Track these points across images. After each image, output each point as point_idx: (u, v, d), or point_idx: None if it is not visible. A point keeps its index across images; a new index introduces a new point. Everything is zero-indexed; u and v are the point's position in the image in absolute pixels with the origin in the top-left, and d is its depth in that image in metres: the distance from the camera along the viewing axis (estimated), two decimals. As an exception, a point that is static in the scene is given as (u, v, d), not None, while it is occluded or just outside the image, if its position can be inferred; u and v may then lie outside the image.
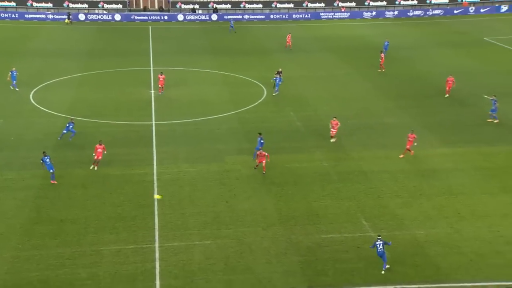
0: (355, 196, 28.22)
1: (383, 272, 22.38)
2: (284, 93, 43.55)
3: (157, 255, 23.35)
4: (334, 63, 53.24)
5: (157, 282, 21.79)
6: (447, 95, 42.52)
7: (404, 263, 23.03)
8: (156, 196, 27.10)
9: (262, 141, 31.67)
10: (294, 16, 77.07)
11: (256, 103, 41.70)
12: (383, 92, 44.34)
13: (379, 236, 23.04)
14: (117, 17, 73.34)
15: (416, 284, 21.84)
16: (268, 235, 24.93)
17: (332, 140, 34.27)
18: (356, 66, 52.07)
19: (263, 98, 42.90)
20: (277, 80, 43.13)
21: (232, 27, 67.35)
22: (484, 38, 62.88)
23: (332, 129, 34.51)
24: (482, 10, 78.86)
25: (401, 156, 32.21)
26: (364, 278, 22.27)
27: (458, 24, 72.13)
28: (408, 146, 32.16)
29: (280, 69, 45.08)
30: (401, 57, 54.80)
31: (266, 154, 30.27)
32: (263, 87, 45.23)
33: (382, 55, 50.30)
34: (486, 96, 39.40)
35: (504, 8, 78.57)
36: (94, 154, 30.61)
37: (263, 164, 30.18)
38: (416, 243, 24.29)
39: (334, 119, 34.58)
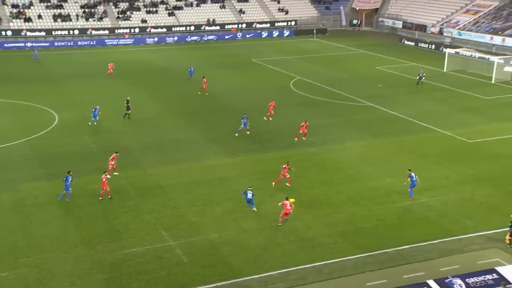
0: (154, 209, 27.78)
1: (255, 209, 26.87)
2: (77, 117, 41.54)
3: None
4: (123, 86, 52.20)
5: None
6: (269, 118, 42.18)
7: (202, 265, 23.22)
8: None
9: (244, 121, 35.76)
10: (79, 43, 74.20)
11: (49, 129, 39.04)
12: (172, 110, 44.56)
13: (250, 187, 27.74)
14: None
15: (213, 283, 22.13)
16: (71, 257, 23.35)
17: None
18: (144, 87, 51.72)
19: (55, 123, 40.36)
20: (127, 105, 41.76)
21: (36, 55, 62.41)
22: (252, 60, 66.81)
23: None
24: (248, 36, 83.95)
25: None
26: (166, 285, 21.96)
27: (230, 48, 75.65)
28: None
29: (128, 97, 43.15)
30: (185, 78, 55.74)
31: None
32: (54, 113, 42.64)
33: (204, 79, 50.06)
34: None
35: (264, 34, 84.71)
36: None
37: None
38: (211, 246, 24.64)
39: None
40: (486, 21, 74.46)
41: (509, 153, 35.29)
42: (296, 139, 37.46)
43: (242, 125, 38.61)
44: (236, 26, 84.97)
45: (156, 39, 78.64)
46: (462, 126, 40.77)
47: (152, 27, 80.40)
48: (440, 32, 77.62)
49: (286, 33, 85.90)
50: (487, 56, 59.64)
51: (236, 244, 24.82)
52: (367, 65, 63.41)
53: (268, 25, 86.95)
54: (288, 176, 30.43)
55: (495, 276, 20.75)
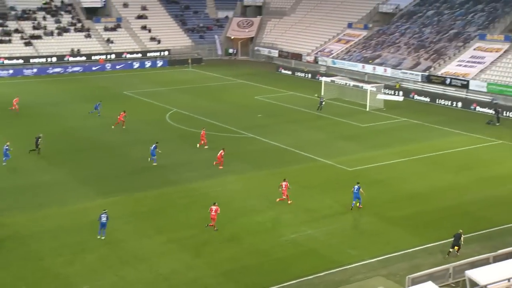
0: (13, 263, 25.86)
1: (103, 237, 27.63)
2: None
3: None
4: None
5: None
6: (203, 147, 43.51)
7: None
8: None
9: (153, 148, 38.11)
10: None
11: None
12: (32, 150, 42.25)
13: (105, 210, 28.52)
14: None
15: None
16: None
17: None
18: None
19: None
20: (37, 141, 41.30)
21: None
22: (124, 92, 65.75)
23: None
24: (118, 67, 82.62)
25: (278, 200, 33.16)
26: None
27: (98, 80, 73.93)
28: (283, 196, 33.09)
29: (40, 134, 42.02)
30: (48, 114, 53.34)
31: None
32: None
33: (123, 113, 49.42)
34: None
35: (136, 65, 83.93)
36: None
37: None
38: (84, 299, 23.46)
39: None
40: (357, 50, 79.95)
41: (386, 179, 37.70)
42: (215, 163, 39.36)
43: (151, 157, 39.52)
44: (104, 56, 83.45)
45: (11, 71, 74.84)
46: (341, 154, 42.92)
47: (5, 58, 76.45)
48: (315, 61, 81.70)
49: (160, 63, 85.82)
50: (360, 84, 63.69)
51: (112, 294, 23.83)
52: (245, 95, 64.86)
53: (139, 55, 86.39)
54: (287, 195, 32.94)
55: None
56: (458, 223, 30.53)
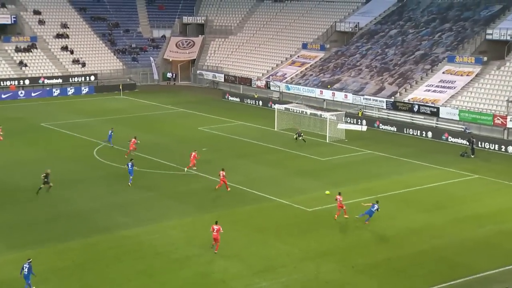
0: None
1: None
2: None
3: None
4: None
5: None
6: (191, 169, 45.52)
7: None
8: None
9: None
10: None
11: None
12: None
13: (30, 259, 28.22)
14: None
15: None
16: None
17: None
18: None
19: None
20: None
21: None
22: (41, 124, 64.64)
23: None
24: (33, 94, 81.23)
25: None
26: None
27: (9, 109, 72.54)
28: None
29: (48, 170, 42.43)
30: None
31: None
32: None
33: (134, 140, 52.39)
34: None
35: (56, 91, 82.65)
36: None
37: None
38: None
39: None
40: (313, 73, 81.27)
41: (350, 221, 37.95)
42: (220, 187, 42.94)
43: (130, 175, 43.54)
44: (16, 82, 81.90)
45: None
46: (299, 193, 43.06)
47: None
48: (267, 86, 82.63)
49: (85, 90, 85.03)
50: (319, 112, 64.59)
51: None
52: (187, 126, 64.83)
53: (60, 80, 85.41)
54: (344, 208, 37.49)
55: None
56: (433, 270, 30.88)
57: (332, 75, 78.92)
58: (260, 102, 77.98)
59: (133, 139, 52.42)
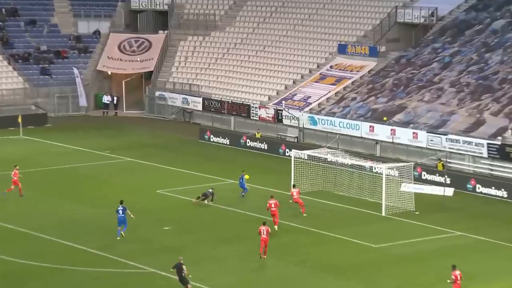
0: None
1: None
2: None
3: None
4: None
5: None
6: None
7: None
8: None
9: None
10: None
11: None
12: None
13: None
14: None
15: None
16: None
17: None
18: None
19: None
20: None
21: None
22: None
23: None
24: None
25: None
26: None
27: None
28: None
29: None
30: None
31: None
32: None
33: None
34: None
35: None
36: None
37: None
38: None
39: None
40: (358, 96, 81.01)
41: None
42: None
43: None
44: None
45: None
46: None
47: None
48: (277, 118, 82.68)
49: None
50: (368, 164, 63.96)
51: None
52: (138, 187, 65.24)
53: None
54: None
55: None
56: None
57: (391, 99, 78.19)
58: (265, 146, 77.44)
59: (15, 170, 56.95)
